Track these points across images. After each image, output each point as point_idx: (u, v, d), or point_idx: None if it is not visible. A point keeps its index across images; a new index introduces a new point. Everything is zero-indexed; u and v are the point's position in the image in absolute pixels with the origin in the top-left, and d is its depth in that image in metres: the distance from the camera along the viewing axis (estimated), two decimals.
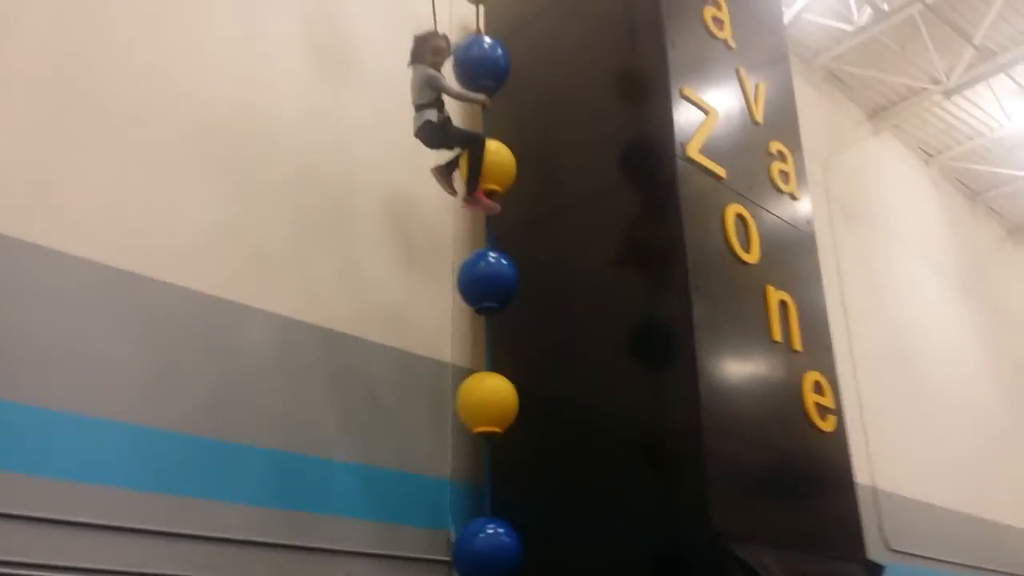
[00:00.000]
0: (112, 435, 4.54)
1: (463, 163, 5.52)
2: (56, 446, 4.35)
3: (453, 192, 5.67)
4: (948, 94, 11.31)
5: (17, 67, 4.76)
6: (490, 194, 5.50)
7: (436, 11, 5.81)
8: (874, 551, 6.26)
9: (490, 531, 4.80)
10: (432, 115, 5.35)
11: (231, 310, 5.24)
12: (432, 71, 5.39)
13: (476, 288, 5.34)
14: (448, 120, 5.44)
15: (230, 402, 5.07)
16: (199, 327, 5.08)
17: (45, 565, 4.14)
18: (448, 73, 5.64)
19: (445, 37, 5.59)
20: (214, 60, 5.65)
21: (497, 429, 5.07)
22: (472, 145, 5.42)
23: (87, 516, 4.34)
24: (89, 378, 4.55)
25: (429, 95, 5.36)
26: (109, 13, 5.22)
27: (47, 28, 4.93)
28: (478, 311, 5.43)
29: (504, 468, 5.46)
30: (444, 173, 5.60)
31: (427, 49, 5.43)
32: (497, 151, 5.53)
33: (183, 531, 4.64)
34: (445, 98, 5.44)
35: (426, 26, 5.62)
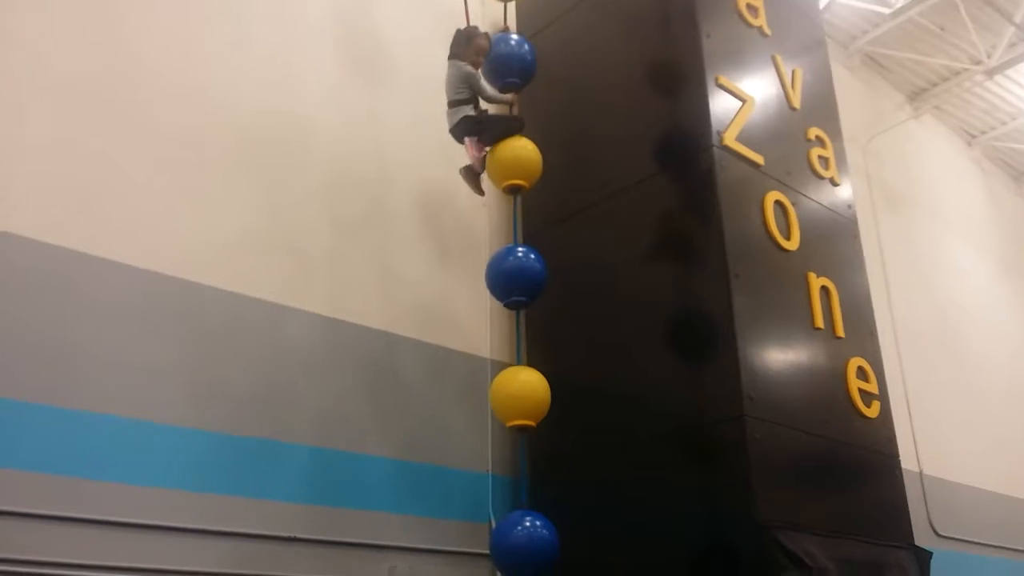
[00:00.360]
0: (158, 437, 4.63)
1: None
2: (105, 449, 4.44)
3: (481, 192, 5.64)
4: (990, 74, 11.11)
5: (57, 77, 4.85)
6: (516, 189, 5.52)
7: (468, 10, 5.82)
8: (921, 537, 6.20)
9: (527, 524, 4.82)
10: (468, 110, 5.38)
11: (271, 311, 5.31)
12: (471, 69, 5.41)
13: (504, 283, 5.35)
14: (484, 112, 5.46)
15: (271, 401, 5.14)
16: (240, 329, 5.16)
17: (96, 566, 4.23)
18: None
19: (487, 36, 5.59)
20: (249, 66, 5.71)
21: (530, 422, 5.09)
22: (512, 124, 5.48)
23: (136, 517, 4.43)
24: (134, 382, 4.64)
25: (466, 92, 5.38)
26: (145, 22, 5.30)
27: (85, 38, 5.02)
28: (507, 306, 5.44)
29: (544, 461, 5.52)
30: (473, 172, 5.56)
31: (470, 47, 5.45)
32: (523, 146, 5.53)
33: (227, 529, 4.73)
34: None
35: (459, 25, 5.64)
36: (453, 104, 5.43)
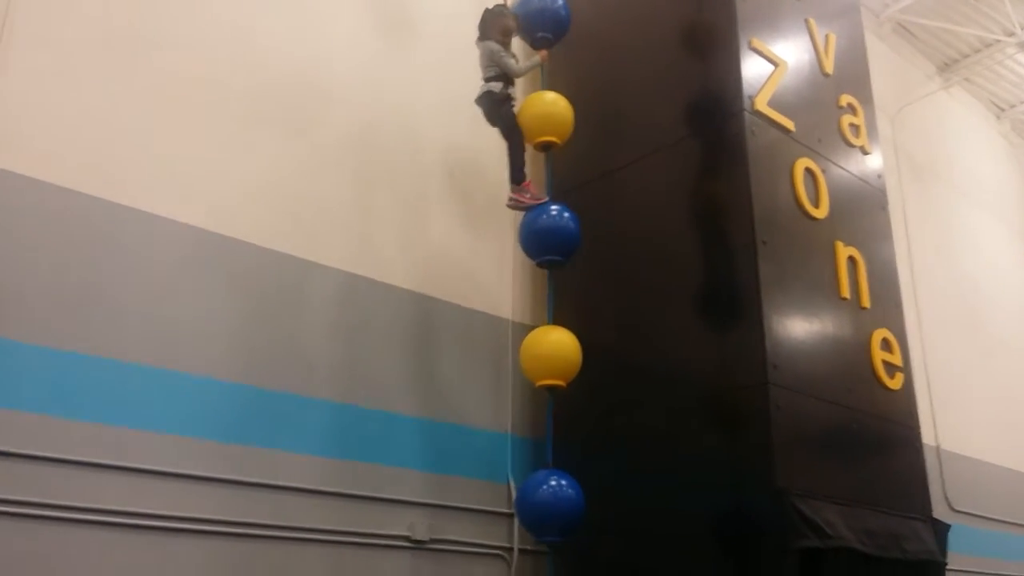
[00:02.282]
0: (184, 386, 4.66)
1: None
2: (135, 398, 4.48)
3: (542, 198, 5.37)
4: (1022, 46, 10.94)
5: (87, 33, 4.82)
6: (548, 145, 5.40)
7: None
8: (937, 511, 6.20)
9: (553, 483, 4.81)
10: (496, 87, 5.32)
11: (296, 266, 5.31)
12: (496, 46, 5.37)
13: (538, 241, 5.28)
14: (509, 99, 5.37)
15: (294, 355, 5.15)
16: (265, 283, 5.16)
17: (114, 511, 4.28)
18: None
19: (515, 16, 5.52)
20: (277, 17, 5.67)
21: (560, 382, 5.05)
22: (512, 136, 5.33)
23: (161, 464, 4.47)
24: (159, 331, 4.65)
25: (495, 70, 5.35)
26: None
27: None
28: (540, 264, 5.38)
29: (565, 423, 5.48)
30: (521, 190, 5.35)
31: (496, 27, 5.41)
32: (555, 102, 5.41)
33: (252, 480, 4.77)
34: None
35: None
36: (487, 80, 5.39)
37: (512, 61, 5.42)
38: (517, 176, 5.29)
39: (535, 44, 5.69)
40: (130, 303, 4.59)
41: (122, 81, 4.88)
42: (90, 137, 4.68)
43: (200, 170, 5.06)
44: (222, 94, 5.27)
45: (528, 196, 5.27)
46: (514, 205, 5.33)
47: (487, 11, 5.50)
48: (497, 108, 5.36)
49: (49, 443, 4.16)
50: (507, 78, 5.37)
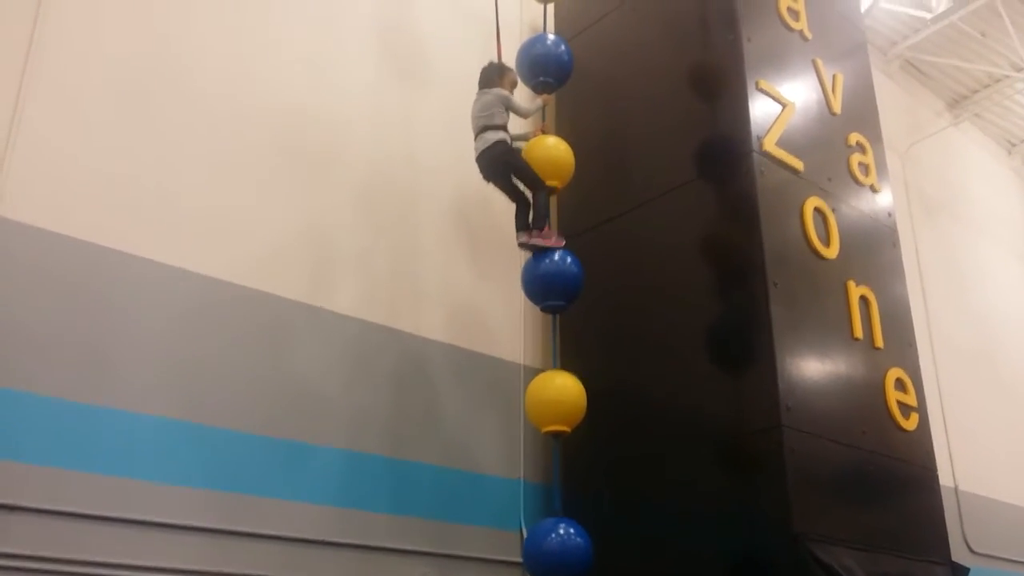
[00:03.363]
0: (189, 436, 4.64)
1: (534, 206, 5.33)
2: (142, 449, 4.47)
3: (561, 241, 5.32)
4: None
5: (103, 84, 4.88)
6: (551, 190, 5.41)
7: (502, 13, 5.80)
8: (956, 553, 6.09)
9: (561, 531, 4.75)
10: (504, 135, 5.29)
11: (305, 313, 5.31)
12: (507, 92, 5.40)
13: (541, 286, 5.29)
14: (519, 151, 5.38)
15: (303, 404, 5.14)
16: (274, 331, 5.16)
17: (124, 565, 4.25)
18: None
19: (512, 71, 5.60)
20: (288, 70, 5.72)
21: (565, 428, 5.02)
22: (537, 181, 5.28)
23: (167, 517, 4.45)
24: (168, 381, 4.65)
25: (502, 118, 5.30)
26: (187, 27, 5.31)
27: (130, 44, 5.04)
28: (543, 309, 5.39)
29: (577, 469, 5.45)
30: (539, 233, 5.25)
31: (504, 79, 5.46)
32: (556, 145, 5.46)
33: (258, 531, 4.73)
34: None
35: (492, 30, 5.63)
36: (485, 129, 5.31)
37: (522, 104, 5.46)
38: (542, 222, 5.23)
39: (537, 88, 5.72)
40: (139, 354, 4.59)
41: (135, 133, 4.93)
42: (103, 189, 4.72)
43: (209, 219, 5.09)
44: (234, 145, 5.31)
45: (553, 239, 5.24)
46: (535, 246, 5.23)
47: (492, 65, 5.55)
48: (510, 157, 5.31)
49: (56, 496, 4.14)
50: (505, 129, 5.33)
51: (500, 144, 5.26)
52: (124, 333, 4.56)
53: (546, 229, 5.23)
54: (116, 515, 4.26)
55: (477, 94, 5.45)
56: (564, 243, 5.27)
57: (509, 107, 5.37)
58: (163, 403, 4.58)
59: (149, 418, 4.51)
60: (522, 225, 5.31)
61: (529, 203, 5.31)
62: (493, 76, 5.47)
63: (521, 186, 5.36)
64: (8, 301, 4.25)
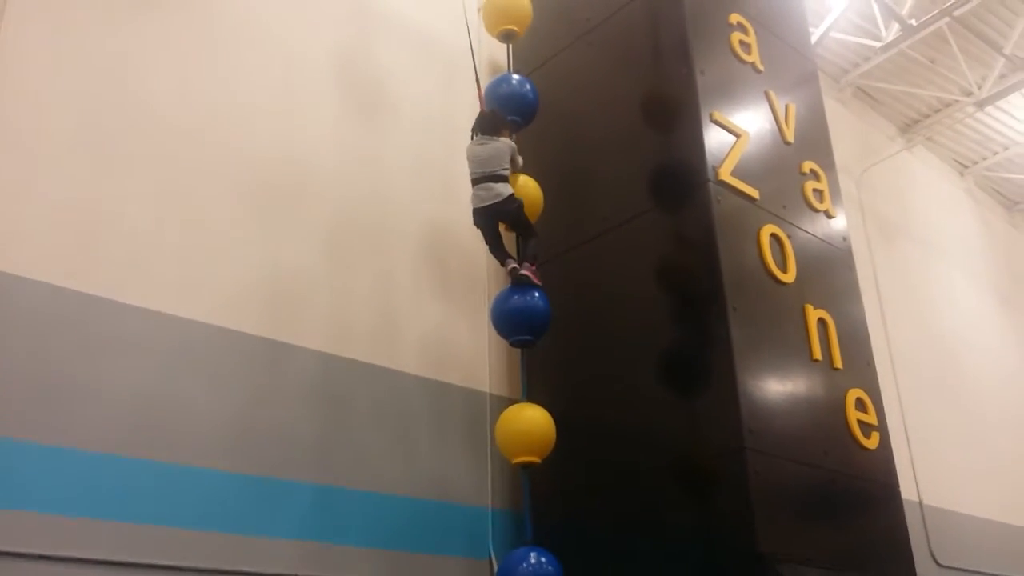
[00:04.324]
0: (157, 476, 4.65)
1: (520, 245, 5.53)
2: (118, 490, 4.47)
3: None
4: (980, 105, 11.24)
5: (66, 129, 4.92)
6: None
7: (461, 49, 5.91)
8: (922, 567, 6.21)
9: (533, 560, 4.82)
10: (509, 189, 5.36)
11: (273, 349, 5.34)
12: (513, 145, 5.49)
13: (509, 322, 5.41)
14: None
15: (271, 438, 5.15)
16: (240, 367, 5.18)
17: None
18: None
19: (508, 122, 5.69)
20: (251, 112, 5.77)
21: (535, 459, 5.11)
22: (532, 235, 5.48)
23: (138, 556, 4.44)
24: (136, 422, 4.67)
25: (504, 167, 5.36)
26: (148, 72, 5.36)
27: (91, 88, 5.08)
28: (513, 344, 5.51)
29: (545, 495, 5.50)
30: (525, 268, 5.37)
31: (506, 131, 5.52)
32: (524, 184, 5.65)
33: (227, 567, 4.71)
34: None
35: (458, 67, 5.72)
36: (495, 179, 5.34)
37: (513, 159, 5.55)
38: (532, 260, 5.41)
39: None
40: (104, 393, 4.60)
41: (96, 175, 4.95)
42: (63, 231, 4.73)
43: (176, 259, 5.12)
44: (199, 184, 5.35)
45: (536, 278, 5.37)
46: (527, 278, 5.32)
47: (496, 114, 5.57)
48: (520, 214, 5.42)
49: (21, 539, 4.13)
50: (508, 180, 5.41)
51: (512, 200, 5.34)
52: (84, 373, 4.56)
53: (534, 267, 5.38)
54: (67, 555, 4.24)
55: (480, 138, 5.45)
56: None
57: (514, 159, 5.49)
58: (126, 443, 4.58)
59: (112, 458, 4.51)
60: (503, 256, 5.44)
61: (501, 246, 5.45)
62: (498, 125, 5.50)
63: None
64: None
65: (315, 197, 5.90)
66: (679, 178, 5.86)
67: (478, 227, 5.46)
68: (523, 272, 5.32)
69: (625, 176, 6.14)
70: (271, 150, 5.78)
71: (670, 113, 6.09)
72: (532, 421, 5.15)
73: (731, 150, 5.89)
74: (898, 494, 5.97)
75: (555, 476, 5.51)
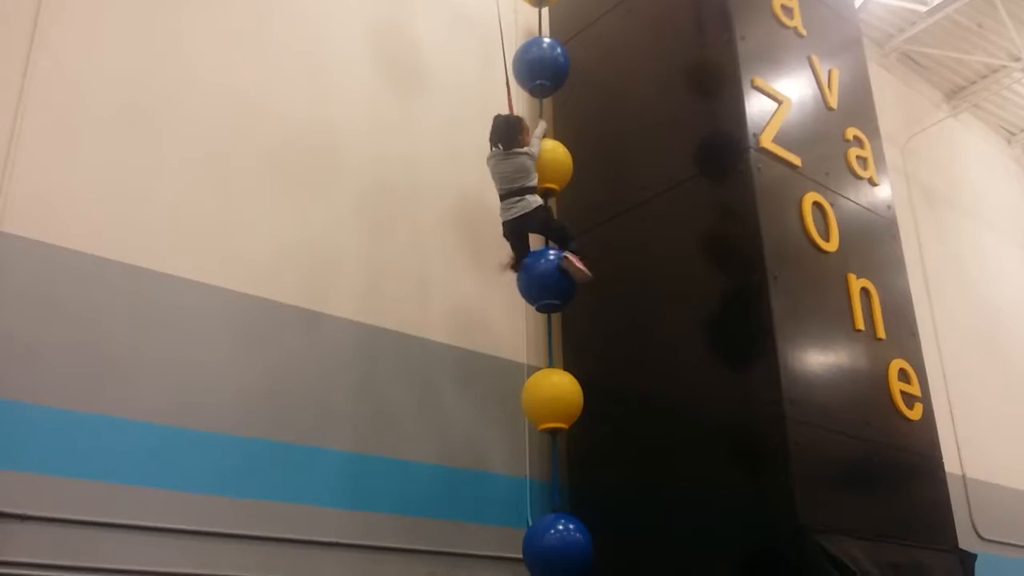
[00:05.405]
0: (195, 443, 4.70)
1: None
2: (141, 455, 4.52)
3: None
4: None
5: (102, 97, 4.94)
6: (548, 192, 5.52)
7: (502, 18, 5.83)
8: (964, 540, 6.12)
9: (560, 527, 4.82)
10: (539, 200, 5.27)
11: (308, 319, 5.36)
12: (533, 149, 5.34)
13: (536, 286, 5.33)
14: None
15: (308, 407, 5.19)
16: (277, 335, 5.21)
17: (134, 571, 4.31)
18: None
19: (523, 121, 5.47)
20: (286, 77, 5.77)
21: (562, 425, 5.09)
22: (567, 239, 5.27)
23: (175, 522, 4.51)
24: (172, 389, 4.71)
25: (532, 179, 5.26)
26: (181, 36, 5.37)
27: (128, 56, 5.10)
28: (539, 309, 5.44)
29: (583, 465, 5.50)
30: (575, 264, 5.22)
31: (522, 134, 5.32)
32: (553, 149, 5.55)
33: (266, 534, 4.78)
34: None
35: (491, 35, 5.63)
36: (523, 192, 5.23)
37: (535, 146, 5.42)
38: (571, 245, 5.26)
39: (533, 92, 5.80)
40: (151, 364, 4.66)
41: (132, 146, 4.98)
42: (101, 202, 4.78)
43: (210, 227, 5.15)
44: (232, 153, 5.37)
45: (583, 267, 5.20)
46: (577, 268, 5.15)
47: (510, 121, 5.35)
48: (550, 220, 5.36)
49: (55, 503, 4.20)
50: (537, 190, 5.30)
51: (542, 209, 5.27)
52: (125, 343, 4.61)
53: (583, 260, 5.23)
54: (114, 520, 4.31)
55: (500, 153, 5.29)
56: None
57: (536, 158, 5.36)
58: (161, 410, 4.63)
59: (146, 425, 4.56)
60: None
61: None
62: (515, 134, 5.29)
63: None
64: (8, 313, 4.31)
65: (348, 167, 5.89)
66: (720, 146, 5.78)
67: (507, 239, 5.37)
68: (577, 264, 5.13)
69: (664, 145, 6.07)
70: (306, 121, 5.77)
71: (711, 80, 5.99)
72: (558, 387, 5.12)
73: (773, 117, 5.79)
74: (941, 466, 5.90)
75: (590, 445, 5.50)
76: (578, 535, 4.79)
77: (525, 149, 5.30)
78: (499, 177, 5.33)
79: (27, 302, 4.38)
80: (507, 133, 5.30)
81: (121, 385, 4.54)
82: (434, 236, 6.18)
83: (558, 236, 5.34)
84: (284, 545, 4.82)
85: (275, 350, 5.17)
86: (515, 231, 5.32)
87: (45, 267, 4.49)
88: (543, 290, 5.31)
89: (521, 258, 5.35)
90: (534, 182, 5.29)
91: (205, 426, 4.75)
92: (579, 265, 5.14)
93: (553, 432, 5.14)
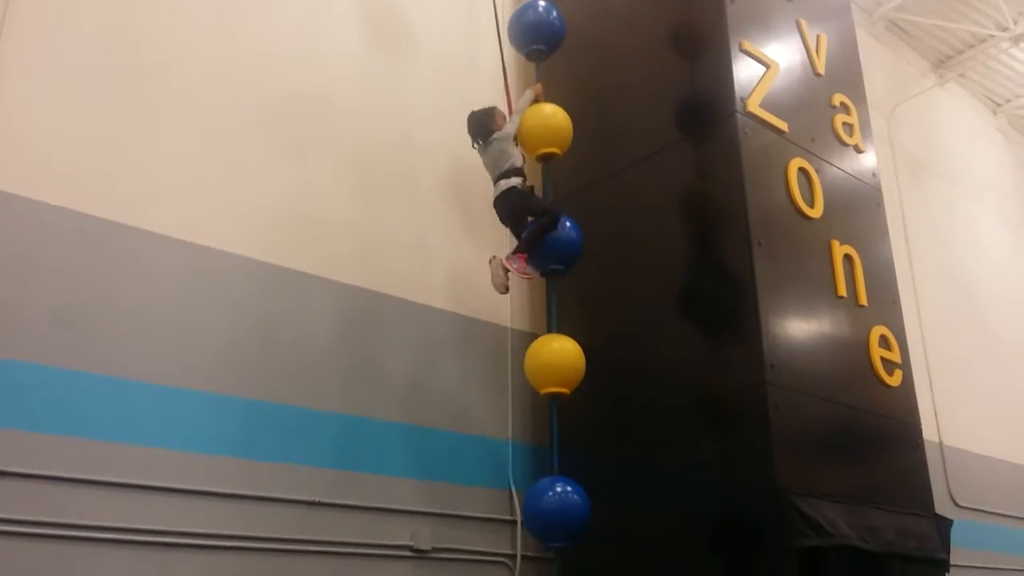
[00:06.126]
0: (186, 403, 4.69)
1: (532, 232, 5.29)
2: (139, 415, 4.51)
3: (505, 290, 5.30)
4: (1016, 40, 10.95)
5: (92, 57, 4.87)
6: (549, 157, 5.50)
7: (508, 89, 5.80)
8: (940, 507, 6.19)
9: (559, 489, 4.87)
10: (517, 182, 5.29)
11: (295, 280, 5.33)
12: (499, 134, 5.34)
13: (542, 251, 5.30)
14: (532, 189, 5.39)
15: (298, 369, 5.18)
16: (268, 299, 5.19)
17: (130, 529, 4.32)
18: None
19: (495, 108, 5.55)
20: (277, 40, 5.71)
21: (564, 390, 5.11)
22: (549, 216, 5.22)
23: (166, 481, 4.50)
24: (165, 350, 4.69)
25: (513, 161, 5.29)
26: (168, 1, 5.29)
27: (110, 9, 5.02)
28: (544, 275, 5.44)
29: (567, 428, 5.49)
30: (502, 266, 5.25)
31: (495, 121, 5.40)
32: (553, 114, 5.51)
33: (253, 493, 4.78)
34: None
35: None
36: (499, 178, 5.33)
37: (515, 120, 5.43)
38: (526, 247, 5.25)
39: (529, 57, 5.75)
40: (135, 322, 4.62)
41: (118, 102, 4.91)
42: (85, 159, 4.71)
43: (202, 189, 5.10)
44: (222, 114, 5.31)
45: (518, 268, 5.25)
46: (504, 268, 5.22)
47: (479, 114, 5.48)
48: (527, 200, 5.33)
49: (58, 463, 4.20)
50: (522, 173, 5.32)
51: (513, 191, 5.27)
52: (108, 300, 4.58)
53: (523, 257, 5.26)
54: (94, 477, 4.30)
55: (480, 146, 5.43)
56: (533, 277, 5.29)
57: (514, 135, 5.38)
58: (156, 370, 4.61)
59: (138, 385, 4.54)
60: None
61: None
62: (485, 123, 5.41)
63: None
64: None
65: (338, 126, 5.84)
66: (706, 109, 5.75)
67: (505, 224, 5.46)
68: (502, 262, 5.20)
69: (652, 108, 6.04)
70: (294, 79, 5.71)
71: (698, 42, 5.96)
72: (562, 352, 5.13)
73: (760, 81, 5.77)
74: (919, 433, 5.96)
75: (579, 410, 5.51)
76: (576, 497, 4.85)
77: (497, 134, 5.33)
78: (488, 167, 5.44)
79: (8, 258, 4.33)
80: (479, 128, 5.44)
81: (104, 343, 4.50)
82: (421, 197, 6.15)
83: (539, 214, 5.29)
84: (270, 504, 4.82)
85: (263, 311, 5.14)
86: (503, 210, 5.36)
87: (27, 223, 4.43)
88: (548, 255, 5.29)
89: (520, 236, 5.36)
90: (514, 162, 5.32)
91: (191, 384, 4.73)
92: (513, 266, 5.19)
93: (555, 396, 5.15)
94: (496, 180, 5.37)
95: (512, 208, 5.35)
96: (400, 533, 5.29)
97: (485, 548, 5.63)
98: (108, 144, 4.81)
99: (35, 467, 4.14)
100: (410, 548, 5.30)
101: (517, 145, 5.44)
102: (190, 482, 4.57)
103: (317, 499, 4.99)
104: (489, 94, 5.98)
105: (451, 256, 6.16)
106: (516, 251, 5.30)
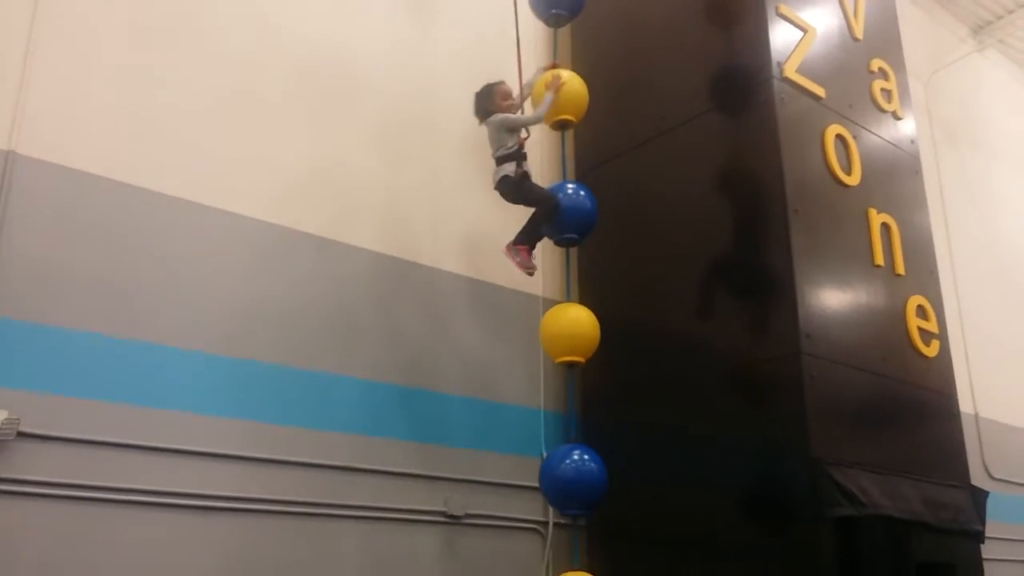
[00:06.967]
0: (218, 369, 4.73)
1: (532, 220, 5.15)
2: (165, 379, 4.55)
3: (531, 272, 5.14)
4: None
5: (115, 18, 4.87)
6: (564, 124, 5.38)
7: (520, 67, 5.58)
8: (976, 479, 6.14)
9: (576, 457, 4.83)
10: (509, 169, 5.04)
11: (325, 247, 5.34)
12: (501, 115, 5.09)
13: (556, 220, 5.17)
14: (527, 175, 5.14)
15: (329, 336, 5.20)
16: (296, 264, 5.20)
17: (161, 491, 4.38)
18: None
19: (503, 82, 5.25)
20: (303, 4, 5.68)
21: (579, 359, 5.06)
22: (544, 205, 5.08)
23: (200, 445, 4.56)
24: (194, 315, 4.72)
25: (506, 143, 5.05)
26: None
27: None
28: (557, 243, 5.36)
29: (597, 397, 5.50)
30: (515, 250, 5.08)
31: (493, 99, 5.13)
32: (569, 80, 5.35)
33: (290, 458, 4.84)
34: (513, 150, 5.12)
35: None
36: (498, 161, 5.12)
37: (520, 116, 5.21)
38: (524, 241, 5.08)
39: (549, 22, 5.63)
40: (169, 290, 4.66)
41: (150, 69, 4.92)
42: (118, 125, 4.73)
43: (228, 152, 5.10)
44: (250, 79, 5.31)
45: (519, 261, 5.05)
46: (519, 265, 5.07)
47: (480, 92, 5.21)
48: (519, 189, 5.10)
49: (100, 427, 4.27)
50: (519, 156, 5.08)
51: (504, 180, 5.05)
52: (144, 267, 4.62)
53: (524, 248, 5.07)
54: (133, 442, 4.36)
55: (484, 125, 5.18)
56: (532, 272, 5.15)
57: (510, 125, 5.08)
58: (186, 336, 4.65)
59: (171, 350, 4.59)
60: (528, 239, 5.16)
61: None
62: (484, 103, 5.15)
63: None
64: (28, 236, 4.30)
65: (365, 92, 5.81)
66: (742, 76, 5.66)
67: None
68: (506, 252, 5.05)
69: (685, 73, 5.96)
70: (321, 44, 5.69)
71: (734, 7, 5.86)
72: (575, 321, 5.07)
73: (797, 46, 5.68)
74: (956, 404, 5.90)
75: (606, 379, 5.50)
76: (592, 465, 4.80)
77: (491, 118, 5.09)
78: (491, 147, 5.20)
79: (47, 226, 4.37)
80: (477, 107, 5.18)
81: (143, 309, 4.55)
82: (452, 165, 6.12)
83: (535, 203, 5.13)
84: (303, 468, 4.87)
85: (291, 277, 5.16)
86: (509, 199, 5.16)
87: (65, 191, 4.46)
88: (562, 224, 5.19)
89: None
90: (503, 151, 5.07)
91: (223, 351, 4.76)
92: (516, 259, 5.03)
93: (570, 365, 5.12)
94: (496, 162, 5.15)
95: (507, 194, 5.13)
96: (434, 499, 5.33)
97: (517, 515, 5.66)
98: (140, 113, 4.81)
99: (78, 432, 4.20)
100: (443, 514, 5.34)
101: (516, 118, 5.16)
102: (227, 447, 4.63)
103: (352, 464, 5.02)
104: (516, 61, 5.89)
105: (480, 225, 6.11)
106: (516, 243, 5.11)
